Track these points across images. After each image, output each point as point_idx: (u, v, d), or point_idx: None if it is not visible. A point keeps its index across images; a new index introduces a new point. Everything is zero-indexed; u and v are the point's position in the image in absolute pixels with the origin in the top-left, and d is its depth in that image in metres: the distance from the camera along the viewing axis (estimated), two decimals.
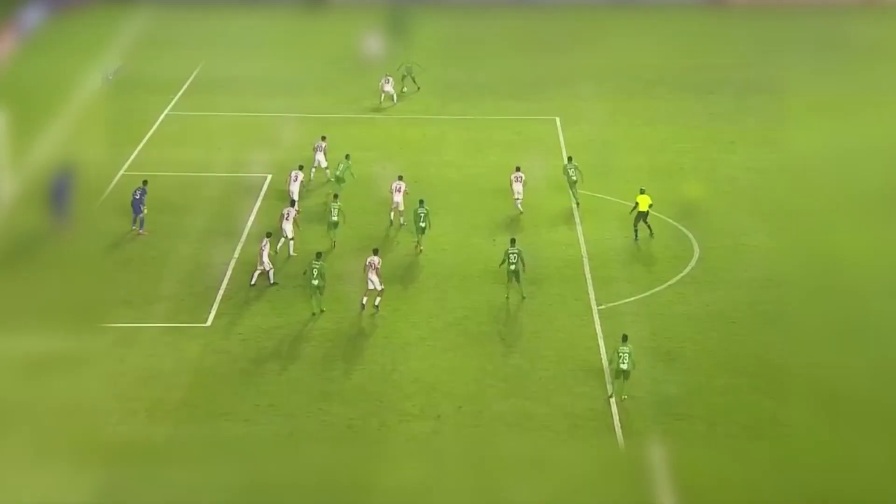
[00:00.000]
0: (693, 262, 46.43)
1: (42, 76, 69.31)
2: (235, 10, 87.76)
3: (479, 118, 63.91)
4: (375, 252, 43.12)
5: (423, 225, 46.91)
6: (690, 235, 48.80)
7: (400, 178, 50.31)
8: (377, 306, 42.16)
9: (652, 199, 48.22)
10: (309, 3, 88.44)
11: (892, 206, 51.83)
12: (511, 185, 51.01)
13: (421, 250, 46.95)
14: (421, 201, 47.53)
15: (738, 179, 54.87)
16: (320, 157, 53.95)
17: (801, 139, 59.26)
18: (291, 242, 46.19)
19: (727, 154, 58.69)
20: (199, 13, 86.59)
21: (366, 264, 42.35)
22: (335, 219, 47.18)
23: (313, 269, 41.70)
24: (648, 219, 48.12)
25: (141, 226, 48.50)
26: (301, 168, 51.84)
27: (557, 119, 63.20)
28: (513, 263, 42.89)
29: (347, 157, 52.95)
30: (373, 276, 42.11)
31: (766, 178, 54.31)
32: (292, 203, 48.33)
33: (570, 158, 52.98)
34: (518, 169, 51.37)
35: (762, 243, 48.33)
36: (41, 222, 48.38)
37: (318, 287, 41.72)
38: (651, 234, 48.36)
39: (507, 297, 43.23)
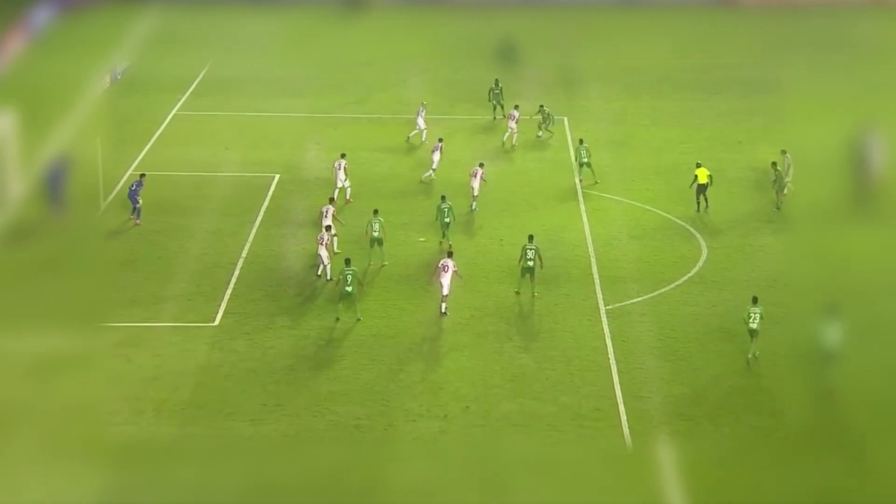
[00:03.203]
0: (700, 263, 46.37)
1: (51, 76, 69.41)
2: (244, 9, 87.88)
3: (486, 118, 63.87)
4: (450, 255, 42.59)
5: (447, 220, 46.76)
6: (698, 235, 48.78)
7: (481, 165, 51.22)
8: (445, 312, 41.66)
9: (711, 171, 50.63)
10: (348, 5, 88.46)
11: None
12: (508, 121, 58.11)
13: (449, 245, 46.69)
14: (443, 197, 47.52)
15: (746, 179, 54.79)
16: (437, 157, 53.97)
17: (808, 139, 59.06)
18: (335, 238, 45.77)
19: (734, 154, 58.66)
20: (207, 13, 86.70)
21: (438, 266, 41.85)
22: (377, 234, 44.83)
23: (346, 275, 40.91)
24: (707, 192, 49.97)
25: (138, 216, 48.67)
26: (343, 156, 51.79)
27: (566, 119, 63.18)
28: (530, 260, 42.79)
29: (581, 141, 55.06)
30: (444, 279, 41.36)
31: None
32: (336, 191, 50.05)
33: (581, 141, 55.41)
34: (516, 107, 58.96)
35: (769, 243, 48.29)
36: (43, 214, 48.62)
37: (351, 294, 41.12)
38: (707, 207, 50.23)
39: (518, 293, 43.23)
